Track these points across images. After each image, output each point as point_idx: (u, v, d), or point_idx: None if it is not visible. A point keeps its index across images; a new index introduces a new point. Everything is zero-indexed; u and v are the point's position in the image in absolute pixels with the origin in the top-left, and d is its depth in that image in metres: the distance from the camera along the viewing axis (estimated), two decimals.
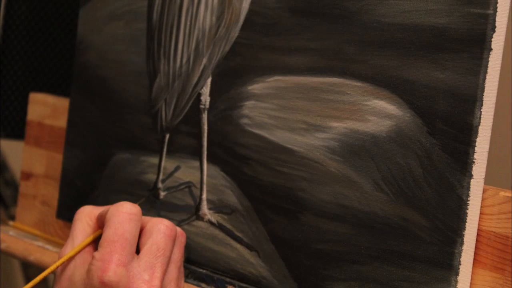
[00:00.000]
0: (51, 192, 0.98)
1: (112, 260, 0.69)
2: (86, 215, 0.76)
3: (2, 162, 1.53)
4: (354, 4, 0.70)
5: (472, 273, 0.65)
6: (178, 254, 0.74)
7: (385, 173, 0.68)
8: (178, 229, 0.75)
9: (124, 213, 0.71)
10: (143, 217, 0.74)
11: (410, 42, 0.67)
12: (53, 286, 0.75)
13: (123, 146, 0.88)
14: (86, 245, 0.73)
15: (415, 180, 0.67)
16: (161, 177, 0.84)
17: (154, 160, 0.85)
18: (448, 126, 0.65)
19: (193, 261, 0.81)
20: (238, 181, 0.78)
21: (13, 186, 1.49)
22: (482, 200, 0.65)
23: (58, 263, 0.72)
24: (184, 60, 0.82)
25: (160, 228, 0.72)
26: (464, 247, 0.64)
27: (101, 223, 0.74)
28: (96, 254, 0.70)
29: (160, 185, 0.84)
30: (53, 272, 0.74)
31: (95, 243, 0.74)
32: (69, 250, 0.74)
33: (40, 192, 1.00)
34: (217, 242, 0.79)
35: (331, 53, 0.72)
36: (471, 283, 0.65)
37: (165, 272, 0.71)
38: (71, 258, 0.73)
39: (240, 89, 0.78)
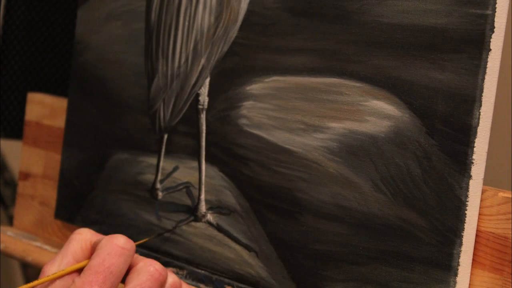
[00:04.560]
0: (50, 192, 0.98)
1: None
2: (84, 239, 0.72)
3: (2, 162, 1.53)
4: (353, 5, 0.70)
5: (471, 274, 0.65)
6: None
7: (383, 173, 0.68)
8: (173, 278, 0.71)
9: (116, 246, 0.68)
10: (137, 255, 0.70)
11: (408, 42, 0.67)
12: None
13: (121, 146, 0.88)
14: (72, 271, 0.71)
15: (414, 180, 0.66)
16: (159, 177, 0.84)
17: (153, 160, 0.85)
18: (447, 126, 0.65)
19: (192, 261, 0.81)
20: (236, 181, 0.78)
21: (13, 186, 1.49)
22: (481, 201, 0.65)
23: (41, 281, 0.70)
24: (183, 60, 0.82)
25: (149, 270, 0.68)
26: (463, 248, 0.64)
27: (93, 251, 0.71)
28: (77, 280, 0.67)
29: (158, 185, 0.84)
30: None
31: (81, 270, 0.72)
32: (55, 269, 0.71)
33: (38, 193, 1.00)
34: (216, 242, 0.79)
35: (330, 53, 0.72)
36: (470, 284, 0.65)
37: None
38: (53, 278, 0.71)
39: (239, 89, 0.78)
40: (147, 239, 0.82)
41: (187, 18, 0.81)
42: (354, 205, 0.70)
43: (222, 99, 0.79)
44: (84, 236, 0.72)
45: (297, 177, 0.73)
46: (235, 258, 0.78)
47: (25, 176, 1.01)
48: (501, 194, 0.64)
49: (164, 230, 0.82)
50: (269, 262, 0.75)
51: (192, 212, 0.81)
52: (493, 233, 0.64)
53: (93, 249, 0.71)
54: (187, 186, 0.82)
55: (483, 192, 0.65)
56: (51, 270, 0.70)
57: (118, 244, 0.68)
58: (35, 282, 0.70)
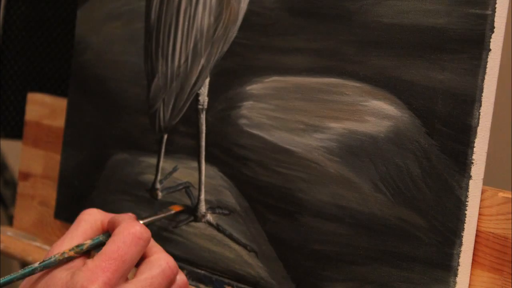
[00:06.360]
0: (49, 193, 0.98)
1: (101, 277, 0.66)
2: (94, 219, 0.72)
3: (2, 162, 1.53)
4: (353, 5, 0.70)
5: (471, 274, 0.65)
6: None
7: (383, 174, 0.68)
8: (182, 277, 0.71)
9: (133, 235, 0.68)
10: (153, 243, 0.71)
11: (408, 42, 0.67)
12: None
13: (121, 147, 0.88)
14: (82, 253, 0.71)
15: (414, 181, 0.66)
16: (159, 177, 0.84)
17: (152, 160, 0.85)
18: (446, 127, 0.65)
19: (192, 261, 0.81)
20: (236, 181, 0.78)
21: (13, 186, 1.49)
22: (480, 201, 0.65)
23: (55, 259, 0.70)
24: (182, 60, 0.82)
25: (162, 265, 0.69)
26: (463, 248, 0.64)
27: (111, 229, 0.71)
28: (90, 262, 0.67)
29: (158, 185, 0.84)
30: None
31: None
32: (66, 247, 0.71)
33: (38, 193, 1.00)
34: (215, 242, 0.79)
35: (330, 53, 0.72)
36: (469, 284, 0.65)
37: None
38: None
39: (239, 89, 0.78)
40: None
41: (187, 18, 0.81)
42: (354, 205, 0.70)
43: (222, 99, 0.79)
44: (93, 216, 0.72)
45: (297, 177, 0.73)
46: (235, 258, 0.78)
47: (25, 176, 1.01)
48: (501, 194, 0.64)
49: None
50: (269, 262, 0.75)
51: (192, 212, 0.81)
52: (493, 233, 0.64)
53: (110, 226, 0.71)
54: (187, 186, 0.82)
55: (483, 192, 0.65)
56: (61, 250, 0.70)
57: (135, 234, 0.68)
58: (47, 262, 0.69)
